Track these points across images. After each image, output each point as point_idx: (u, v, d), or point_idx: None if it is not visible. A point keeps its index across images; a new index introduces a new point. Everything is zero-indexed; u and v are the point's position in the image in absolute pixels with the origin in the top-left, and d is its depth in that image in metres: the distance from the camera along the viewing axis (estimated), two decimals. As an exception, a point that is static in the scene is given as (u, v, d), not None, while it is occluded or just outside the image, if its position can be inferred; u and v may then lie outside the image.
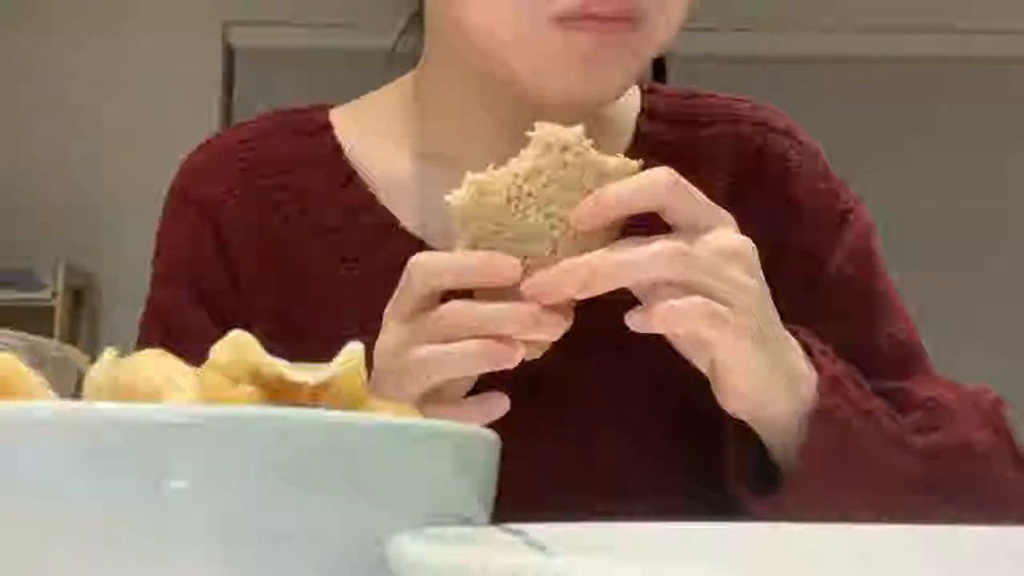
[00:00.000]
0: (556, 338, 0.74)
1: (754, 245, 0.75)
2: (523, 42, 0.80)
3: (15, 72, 3.63)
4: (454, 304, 0.74)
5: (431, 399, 0.74)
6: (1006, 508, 0.82)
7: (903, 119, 3.57)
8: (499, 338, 0.73)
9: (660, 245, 0.72)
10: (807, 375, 0.77)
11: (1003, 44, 3.55)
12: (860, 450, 0.78)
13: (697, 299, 0.72)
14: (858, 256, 0.92)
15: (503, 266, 0.73)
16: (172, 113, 3.53)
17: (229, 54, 3.70)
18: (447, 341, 0.73)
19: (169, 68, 3.62)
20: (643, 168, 0.75)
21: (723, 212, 0.76)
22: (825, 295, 0.90)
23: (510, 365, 0.73)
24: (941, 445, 0.81)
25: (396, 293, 0.76)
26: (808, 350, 0.79)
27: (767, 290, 0.75)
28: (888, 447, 0.79)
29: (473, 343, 0.72)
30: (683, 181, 0.75)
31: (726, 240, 0.74)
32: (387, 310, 0.77)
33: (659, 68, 3.48)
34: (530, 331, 0.73)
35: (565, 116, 0.88)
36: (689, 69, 3.38)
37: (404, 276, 0.76)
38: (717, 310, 0.72)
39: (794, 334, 0.79)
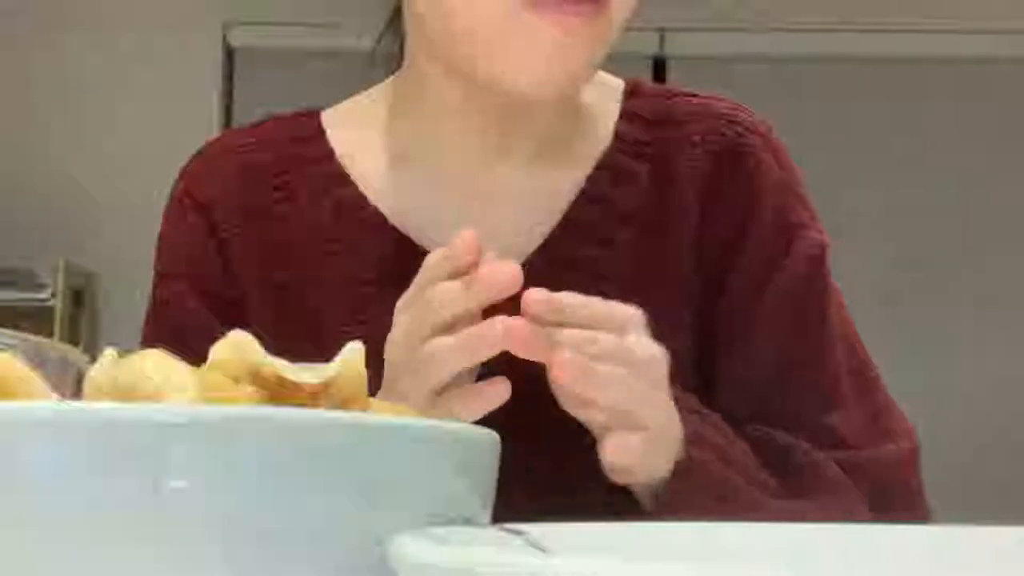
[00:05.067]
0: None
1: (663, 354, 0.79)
2: (498, 32, 0.83)
3: (15, 72, 3.63)
4: (442, 285, 0.78)
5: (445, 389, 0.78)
6: None
7: (903, 119, 3.57)
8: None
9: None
10: (679, 438, 0.81)
11: (1003, 44, 3.55)
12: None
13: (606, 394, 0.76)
14: (803, 276, 0.94)
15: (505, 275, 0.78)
16: (172, 113, 3.53)
17: (229, 54, 3.69)
18: (444, 325, 0.77)
19: (169, 68, 3.61)
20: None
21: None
22: (767, 308, 0.92)
23: (503, 346, 0.77)
24: (800, 514, 0.84)
25: (415, 306, 0.80)
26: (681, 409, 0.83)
27: (665, 370, 0.79)
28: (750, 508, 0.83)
29: (467, 333, 0.77)
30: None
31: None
32: (398, 305, 0.80)
33: (659, 68, 3.48)
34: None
35: (540, 106, 0.90)
36: (689, 69, 3.38)
37: (433, 291, 0.79)
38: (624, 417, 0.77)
39: (675, 399, 0.82)
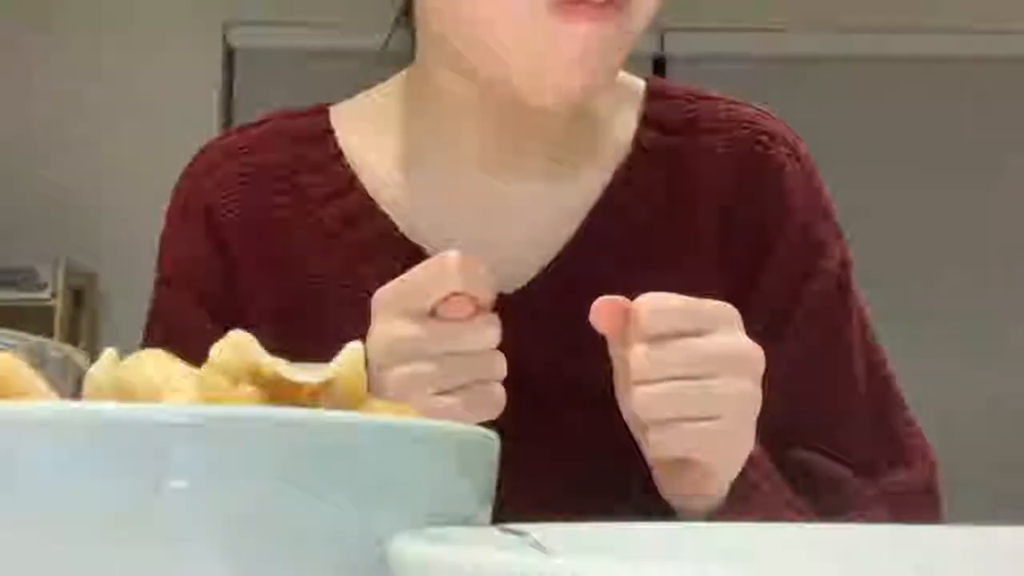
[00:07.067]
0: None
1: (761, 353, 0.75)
2: (521, 35, 0.80)
3: (15, 72, 3.63)
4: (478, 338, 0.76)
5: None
6: None
7: (903, 119, 3.57)
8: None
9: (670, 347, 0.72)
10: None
11: (1002, 44, 3.55)
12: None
13: (682, 428, 0.73)
14: (825, 296, 0.92)
15: None
16: (172, 113, 3.53)
17: (229, 54, 3.69)
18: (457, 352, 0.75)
19: (169, 68, 3.62)
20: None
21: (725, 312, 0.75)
22: (788, 326, 0.91)
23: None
24: None
25: (403, 287, 0.76)
26: None
27: (759, 393, 0.75)
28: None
29: (490, 399, 0.75)
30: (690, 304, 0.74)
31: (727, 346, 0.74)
32: (383, 298, 0.77)
33: (659, 68, 3.48)
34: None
35: (556, 112, 0.88)
36: (689, 69, 3.38)
37: (423, 272, 0.76)
38: (701, 432, 0.73)
39: None
